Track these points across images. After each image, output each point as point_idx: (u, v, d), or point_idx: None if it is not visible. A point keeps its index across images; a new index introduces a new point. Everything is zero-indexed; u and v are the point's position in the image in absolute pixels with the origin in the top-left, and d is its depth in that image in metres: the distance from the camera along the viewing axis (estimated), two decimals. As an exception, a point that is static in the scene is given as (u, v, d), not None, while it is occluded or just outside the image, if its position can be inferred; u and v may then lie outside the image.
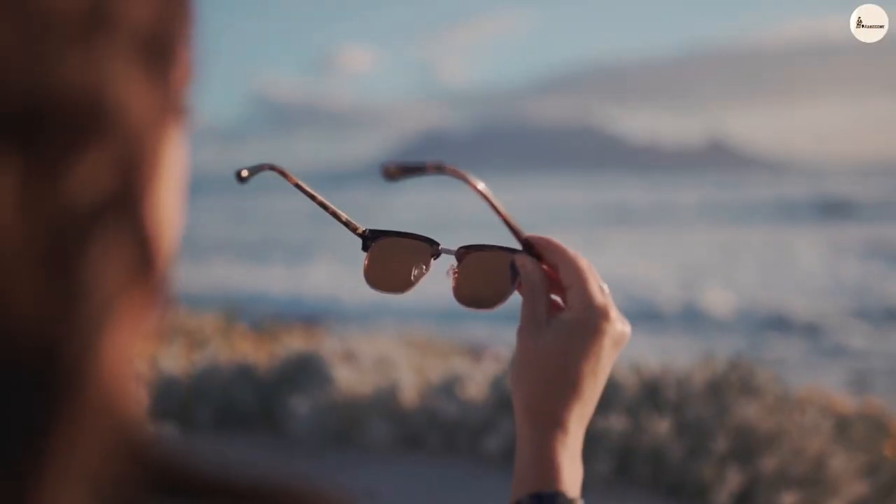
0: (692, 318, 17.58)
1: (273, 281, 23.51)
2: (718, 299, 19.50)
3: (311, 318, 12.37)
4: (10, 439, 0.30)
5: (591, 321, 0.75)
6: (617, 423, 4.67)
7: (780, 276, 23.78)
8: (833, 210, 49.99)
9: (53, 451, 0.31)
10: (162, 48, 0.35)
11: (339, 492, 0.39)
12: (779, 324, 16.51)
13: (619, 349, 0.77)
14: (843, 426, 5.02)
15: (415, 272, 0.86)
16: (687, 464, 4.56)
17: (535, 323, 0.77)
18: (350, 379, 5.34)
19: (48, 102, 0.31)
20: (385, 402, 5.18)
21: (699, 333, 15.54)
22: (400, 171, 0.68)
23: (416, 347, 7.46)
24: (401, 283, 0.87)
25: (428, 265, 0.87)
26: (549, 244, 0.79)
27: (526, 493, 0.72)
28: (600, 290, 0.77)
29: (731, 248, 32.66)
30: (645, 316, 17.77)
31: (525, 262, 0.80)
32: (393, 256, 0.88)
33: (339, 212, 0.88)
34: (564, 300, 0.79)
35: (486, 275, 0.83)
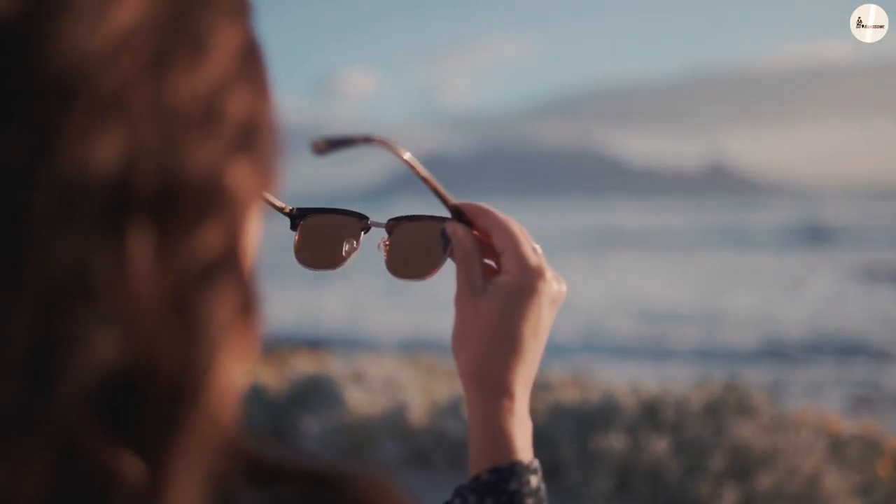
0: (684, 343, 17.41)
1: (276, 305, 23.58)
2: (712, 324, 19.50)
3: (316, 342, 12.46)
4: (151, 441, 0.37)
5: (527, 283, 0.75)
6: (617, 442, 4.80)
7: (776, 302, 23.75)
8: (831, 235, 49.89)
9: (180, 449, 0.37)
10: (256, 132, 0.42)
11: (393, 481, 0.45)
12: (773, 349, 16.46)
13: (557, 307, 0.77)
14: (837, 446, 5.13)
15: (346, 248, 0.85)
16: (685, 482, 4.68)
17: (472, 289, 0.76)
18: (360, 400, 5.48)
19: (177, 182, 0.38)
20: (394, 422, 5.32)
21: (692, 358, 15.41)
22: (328, 144, 0.67)
23: (421, 370, 7.56)
24: (332, 260, 0.85)
25: (358, 240, 0.85)
26: (479, 210, 0.79)
27: (484, 468, 0.72)
28: (533, 252, 0.77)
29: (729, 272, 32.66)
30: (639, 340, 17.77)
31: (456, 230, 0.79)
32: (322, 233, 0.86)
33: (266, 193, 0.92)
34: (498, 264, 0.78)
35: (417, 245, 0.82)
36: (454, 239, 0.78)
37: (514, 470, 0.71)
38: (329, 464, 0.44)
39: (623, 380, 6.18)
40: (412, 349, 11.12)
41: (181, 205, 0.37)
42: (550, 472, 5.03)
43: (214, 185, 0.39)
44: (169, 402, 0.37)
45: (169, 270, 0.37)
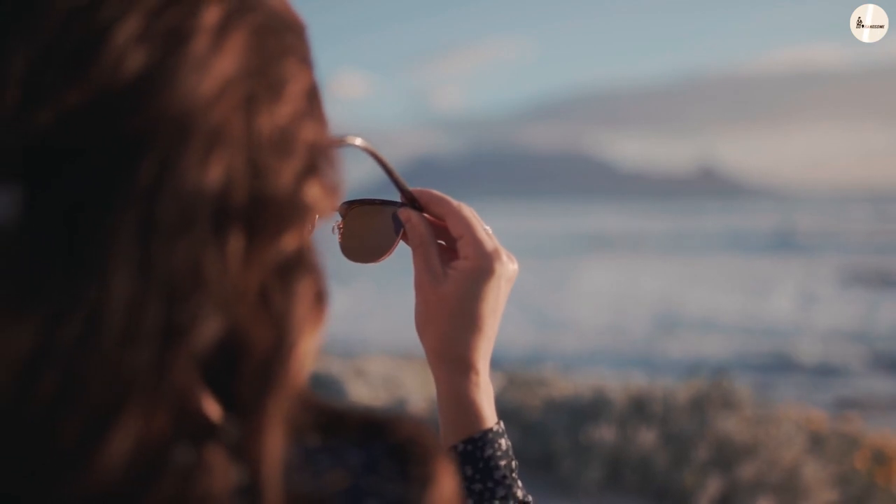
0: (672, 348, 17.36)
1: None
2: (702, 329, 19.60)
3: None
4: (247, 402, 0.44)
5: (485, 266, 0.79)
6: (608, 434, 5.01)
7: (766, 306, 23.84)
8: (822, 239, 49.99)
9: (271, 409, 0.44)
10: (321, 153, 0.49)
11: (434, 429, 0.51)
12: (761, 353, 16.51)
13: (511, 284, 0.83)
14: (817, 440, 5.33)
15: None
16: (671, 471, 4.88)
17: (432, 275, 0.81)
18: (362, 394, 5.69)
19: (262, 197, 0.44)
20: (395, 416, 5.53)
21: (681, 363, 15.29)
22: None
23: (417, 369, 7.72)
24: None
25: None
26: (432, 196, 0.83)
27: (459, 440, 0.78)
28: (487, 235, 0.81)
29: (719, 276, 32.77)
30: (628, 344, 17.86)
31: (410, 216, 0.82)
32: None
33: None
34: (451, 245, 0.83)
35: (370, 229, 0.85)
36: (409, 225, 0.82)
37: (486, 438, 0.78)
38: (383, 411, 0.51)
39: (613, 376, 6.35)
40: (406, 351, 11.23)
41: (266, 214, 0.44)
42: (544, 462, 5.25)
43: (292, 199, 0.46)
44: (262, 372, 0.44)
45: (256, 267, 0.44)
